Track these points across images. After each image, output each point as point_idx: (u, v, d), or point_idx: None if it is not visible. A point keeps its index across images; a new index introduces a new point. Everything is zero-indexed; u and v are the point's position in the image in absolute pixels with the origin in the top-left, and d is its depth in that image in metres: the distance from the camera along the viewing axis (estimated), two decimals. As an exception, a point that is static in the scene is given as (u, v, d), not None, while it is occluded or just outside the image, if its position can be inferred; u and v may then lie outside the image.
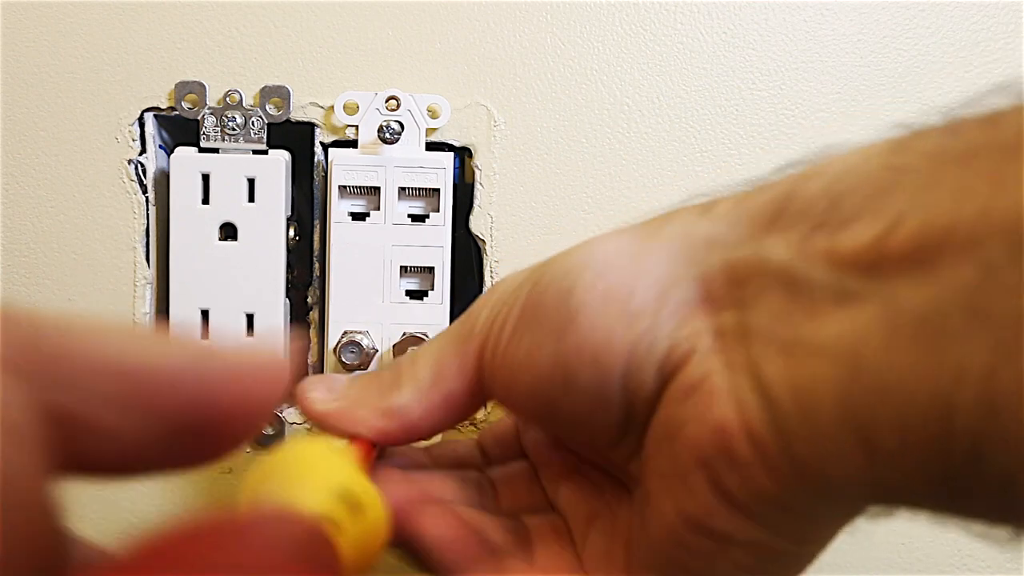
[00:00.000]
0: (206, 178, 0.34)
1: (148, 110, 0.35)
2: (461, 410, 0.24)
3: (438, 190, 0.34)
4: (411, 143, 0.34)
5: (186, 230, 0.34)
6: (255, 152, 0.34)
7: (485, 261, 0.36)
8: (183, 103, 0.34)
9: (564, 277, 0.21)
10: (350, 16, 0.35)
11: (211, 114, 0.34)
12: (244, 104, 0.34)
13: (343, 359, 0.34)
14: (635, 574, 0.21)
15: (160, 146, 0.35)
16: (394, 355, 0.34)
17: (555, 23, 0.35)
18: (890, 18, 0.36)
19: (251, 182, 0.34)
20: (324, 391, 0.24)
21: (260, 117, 0.34)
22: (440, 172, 0.34)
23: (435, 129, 0.35)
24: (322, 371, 0.35)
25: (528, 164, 0.36)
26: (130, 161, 0.35)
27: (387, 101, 0.34)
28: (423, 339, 0.34)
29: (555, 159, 0.36)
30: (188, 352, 0.15)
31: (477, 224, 0.36)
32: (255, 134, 0.34)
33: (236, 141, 0.34)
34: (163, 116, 0.35)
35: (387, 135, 0.33)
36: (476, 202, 0.36)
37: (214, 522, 0.13)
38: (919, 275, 0.16)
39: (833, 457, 0.17)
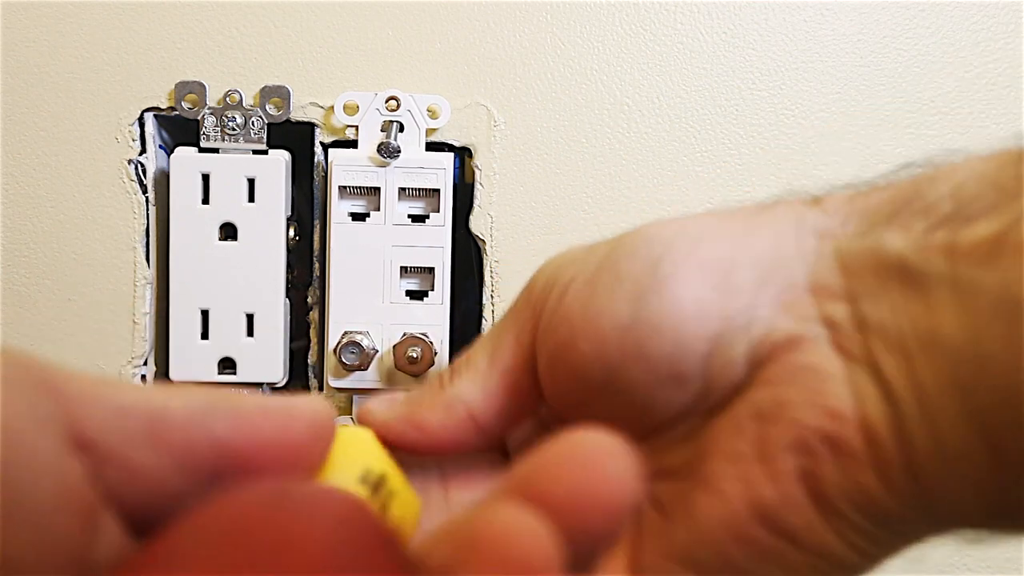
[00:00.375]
0: (206, 178, 0.34)
1: (148, 110, 0.35)
2: (525, 394, 0.21)
3: (438, 190, 0.34)
4: (411, 143, 0.34)
5: (186, 230, 0.34)
6: (255, 152, 0.34)
7: (485, 261, 0.36)
8: (183, 103, 0.34)
9: (652, 243, 0.19)
10: (350, 16, 0.35)
11: (211, 114, 0.34)
12: (244, 104, 0.34)
13: (343, 359, 0.34)
14: (657, 572, 0.19)
15: (160, 146, 0.35)
16: (394, 355, 0.34)
17: (555, 23, 0.35)
18: (890, 18, 0.36)
19: (251, 182, 0.34)
20: (385, 403, 0.22)
21: (260, 117, 0.34)
22: (440, 172, 0.34)
23: (435, 129, 0.35)
24: (321, 371, 0.35)
25: (528, 164, 0.36)
26: (130, 161, 0.35)
27: (387, 101, 0.34)
28: (423, 339, 0.34)
29: (555, 159, 0.36)
30: (202, 397, 0.15)
31: (477, 224, 0.36)
32: (255, 134, 0.34)
33: (236, 141, 0.34)
34: (163, 116, 0.35)
35: (386, 154, 0.33)
36: (476, 202, 0.36)
37: (258, 498, 0.13)
38: None
39: (958, 463, 0.16)
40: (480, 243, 0.36)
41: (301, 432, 0.16)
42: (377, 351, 0.34)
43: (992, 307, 0.15)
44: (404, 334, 0.34)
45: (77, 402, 0.14)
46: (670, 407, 0.19)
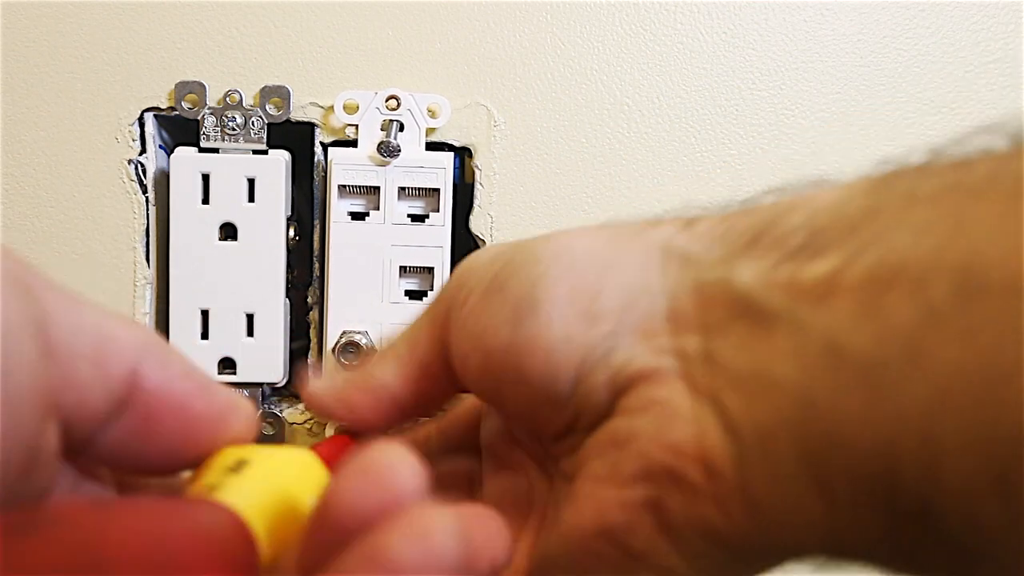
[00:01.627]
0: (206, 178, 0.34)
1: (148, 110, 0.35)
2: (439, 381, 0.23)
3: (438, 190, 0.34)
4: (411, 143, 0.34)
5: (186, 230, 0.34)
6: (255, 152, 0.34)
7: (485, 261, 0.36)
8: (183, 103, 0.34)
9: (535, 263, 0.21)
10: (350, 16, 0.35)
11: (211, 114, 0.34)
12: (244, 104, 0.34)
13: (342, 359, 0.34)
14: (533, 566, 0.21)
15: (160, 146, 0.35)
16: None
17: (555, 23, 0.35)
18: (890, 18, 0.36)
19: (251, 182, 0.34)
20: (322, 382, 0.24)
21: (260, 117, 0.34)
22: (440, 172, 0.34)
23: (435, 129, 0.35)
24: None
25: (528, 164, 0.36)
26: (130, 161, 0.35)
27: (387, 100, 0.34)
28: None
29: (555, 159, 0.36)
30: (146, 336, 0.17)
31: (477, 224, 0.36)
32: (255, 134, 0.34)
33: (236, 141, 0.34)
34: (163, 116, 0.35)
35: (386, 153, 0.33)
36: (476, 202, 0.36)
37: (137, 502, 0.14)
38: (865, 312, 0.15)
39: (792, 502, 0.16)
40: (480, 243, 0.36)
41: (206, 416, 0.17)
42: (376, 351, 0.34)
43: (820, 352, 0.16)
44: None
45: (51, 312, 0.15)
46: (554, 423, 0.20)
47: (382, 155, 0.33)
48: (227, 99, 0.34)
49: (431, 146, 0.35)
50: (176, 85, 0.34)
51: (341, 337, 0.34)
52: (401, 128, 0.34)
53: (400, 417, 0.23)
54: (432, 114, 0.35)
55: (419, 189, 0.34)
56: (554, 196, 0.36)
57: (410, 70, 0.35)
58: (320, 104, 0.35)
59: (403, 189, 0.34)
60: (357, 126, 0.34)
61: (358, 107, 0.34)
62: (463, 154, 0.36)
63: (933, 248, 0.15)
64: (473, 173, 0.36)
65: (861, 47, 0.36)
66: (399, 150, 0.33)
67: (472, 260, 0.23)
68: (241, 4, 0.34)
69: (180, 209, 0.34)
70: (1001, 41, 0.36)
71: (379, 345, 0.34)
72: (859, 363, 0.15)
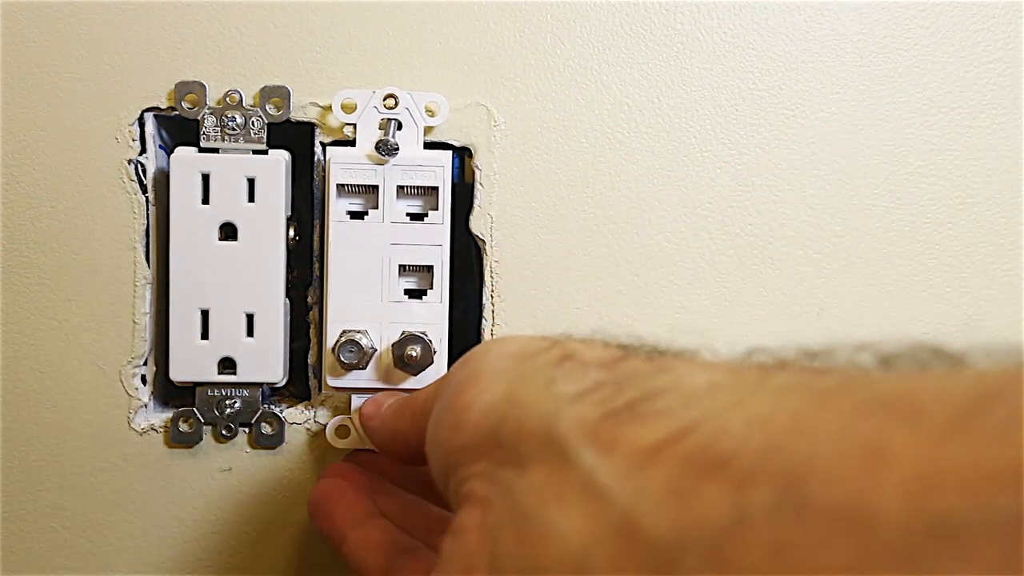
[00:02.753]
0: (206, 178, 0.34)
1: (148, 110, 0.35)
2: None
3: (436, 188, 0.34)
4: (409, 141, 0.34)
5: (186, 230, 0.34)
6: (255, 152, 0.34)
7: (485, 261, 0.36)
8: (183, 103, 0.34)
9: (456, 370, 0.23)
10: (350, 16, 0.35)
11: (211, 114, 0.34)
12: (244, 104, 0.34)
13: (342, 358, 0.33)
14: None
15: (160, 146, 0.35)
16: (392, 354, 0.34)
17: (555, 23, 0.35)
18: (890, 18, 0.36)
19: (251, 182, 0.34)
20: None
21: (260, 117, 0.34)
22: (438, 170, 0.34)
23: (433, 128, 0.35)
24: (320, 371, 0.35)
25: (528, 164, 0.36)
26: (130, 161, 0.35)
27: (385, 99, 0.34)
28: (422, 338, 0.34)
29: (555, 159, 0.36)
30: None
31: (477, 224, 0.36)
32: (255, 134, 0.34)
33: (236, 141, 0.34)
34: (163, 116, 0.35)
35: (385, 152, 0.33)
36: (476, 202, 0.36)
37: None
38: (675, 496, 0.15)
39: None
40: (480, 243, 0.36)
41: None
42: (376, 350, 0.34)
43: (614, 522, 0.16)
44: (403, 333, 0.34)
45: None
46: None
47: (380, 154, 0.33)
48: (227, 99, 0.34)
49: (429, 145, 0.35)
50: (176, 85, 0.34)
51: (341, 336, 0.34)
52: (399, 127, 0.34)
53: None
54: (430, 112, 0.35)
55: (417, 187, 0.34)
56: (554, 196, 0.36)
57: (410, 70, 0.35)
58: (320, 104, 0.35)
59: (401, 188, 0.34)
60: (355, 125, 0.34)
61: (356, 106, 0.34)
62: (463, 154, 0.36)
63: (764, 446, 0.14)
64: (473, 173, 0.36)
65: (861, 47, 0.36)
66: (397, 149, 0.33)
67: (457, 370, 0.25)
68: (241, 4, 0.34)
69: (180, 209, 0.34)
70: (1001, 41, 0.36)
71: (379, 344, 0.34)
72: (651, 546, 0.15)
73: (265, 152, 0.34)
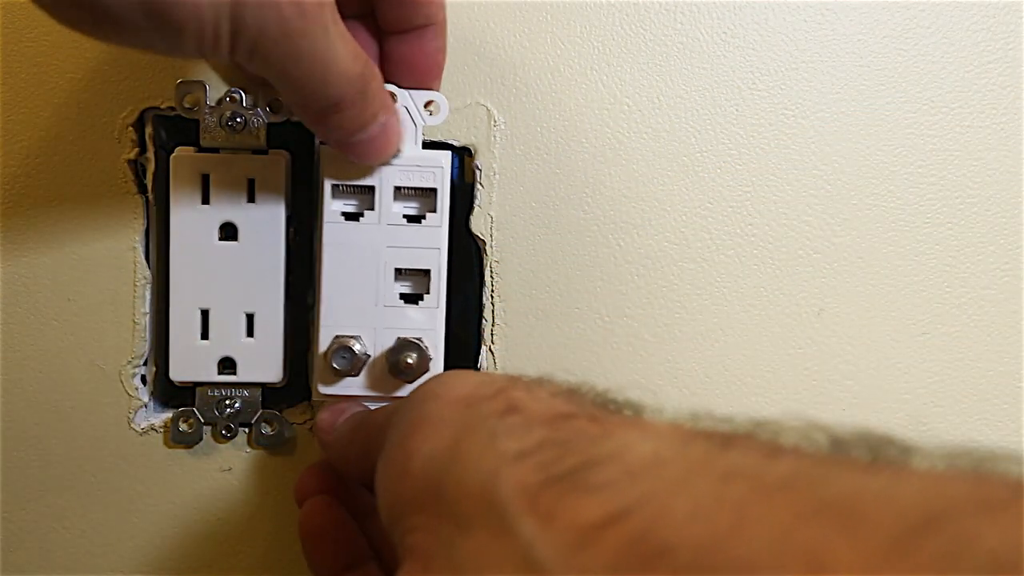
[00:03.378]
0: (206, 178, 0.34)
1: (148, 110, 0.35)
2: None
3: (435, 190, 0.33)
4: (407, 141, 0.34)
5: (186, 230, 0.34)
6: (255, 152, 0.34)
7: (485, 261, 0.36)
8: (183, 103, 0.34)
9: (404, 410, 0.23)
10: (350, 16, 0.35)
11: (211, 114, 0.34)
12: (244, 104, 0.34)
13: (334, 364, 0.32)
14: None
15: (160, 146, 0.35)
16: (387, 361, 0.33)
17: (555, 23, 0.35)
18: (890, 18, 0.36)
19: (251, 182, 0.34)
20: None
21: (260, 117, 0.34)
22: (437, 171, 0.33)
23: (432, 127, 0.35)
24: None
25: (528, 164, 0.36)
26: (130, 161, 0.35)
27: None
28: (418, 344, 0.33)
29: (555, 159, 0.36)
30: None
31: (477, 224, 0.36)
32: (255, 134, 0.34)
33: (236, 141, 0.34)
34: (163, 116, 0.35)
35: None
36: (476, 202, 0.36)
37: None
38: None
39: None
40: (480, 243, 0.36)
41: None
42: (369, 356, 0.33)
43: None
44: (398, 339, 0.33)
45: None
46: None
47: None
48: (227, 99, 0.34)
49: (429, 145, 0.34)
50: (176, 85, 0.34)
51: (334, 342, 0.33)
52: None
53: None
54: (430, 111, 0.34)
55: (415, 189, 0.33)
56: (554, 196, 0.36)
57: (410, 70, 0.35)
58: (320, 104, 0.35)
59: (399, 189, 0.33)
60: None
61: None
62: (463, 154, 0.36)
63: (705, 542, 0.14)
64: (473, 173, 0.36)
65: (861, 47, 0.36)
66: (399, 150, 0.33)
67: (406, 409, 0.24)
68: (241, 4, 0.34)
69: (180, 209, 0.34)
70: (1001, 41, 0.36)
71: (373, 350, 0.33)
72: None
73: (265, 152, 0.34)
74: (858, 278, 0.37)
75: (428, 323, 0.33)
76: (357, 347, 0.33)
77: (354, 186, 0.33)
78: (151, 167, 0.35)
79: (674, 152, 0.36)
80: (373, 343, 0.33)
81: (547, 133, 0.36)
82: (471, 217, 0.36)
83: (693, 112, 0.36)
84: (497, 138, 0.35)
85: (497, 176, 0.36)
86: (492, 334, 0.36)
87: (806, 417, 0.17)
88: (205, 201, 0.34)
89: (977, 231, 0.37)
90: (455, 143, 0.35)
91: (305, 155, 0.35)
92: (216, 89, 0.34)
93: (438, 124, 0.33)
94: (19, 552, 0.36)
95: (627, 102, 0.36)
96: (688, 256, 0.36)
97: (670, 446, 0.17)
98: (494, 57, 0.35)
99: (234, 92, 0.34)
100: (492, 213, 0.36)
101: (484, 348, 0.36)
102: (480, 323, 0.36)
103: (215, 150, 0.34)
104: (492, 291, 0.36)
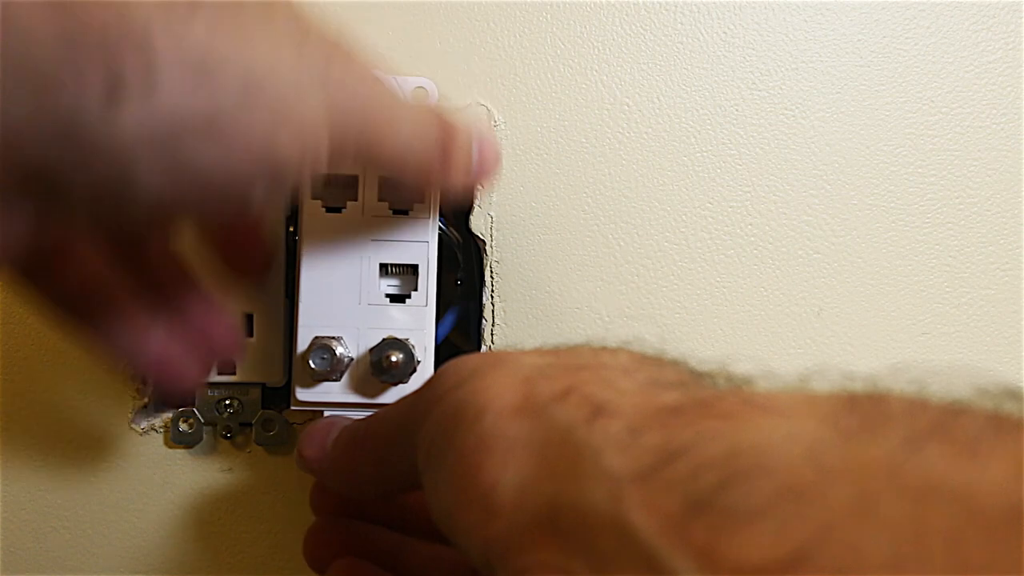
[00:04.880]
0: (206, 178, 0.34)
1: (148, 110, 0.34)
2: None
3: None
4: None
5: (186, 230, 0.34)
6: (255, 152, 0.34)
7: (485, 261, 0.36)
8: (183, 103, 0.34)
9: (463, 446, 0.19)
10: (350, 16, 0.35)
11: (211, 114, 0.34)
12: (244, 104, 0.34)
13: (312, 365, 0.30)
14: None
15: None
16: (369, 361, 0.30)
17: (555, 23, 0.35)
18: (890, 18, 0.36)
19: (251, 182, 0.34)
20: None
21: (260, 117, 0.34)
22: None
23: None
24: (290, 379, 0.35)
25: (528, 164, 0.36)
26: (130, 161, 0.35)
27: None
28: (404, 344, 0.30)
29: (555, 159, 0.36)
30: None
31: (477, 224, 0.36)
32: (255, 134, 0.34)
33: (236, 141, 0.34)
34: (163, 116, 0.35)
35: None
36: (476, 202, 0.36)
37: None
38: None
39: None
40: (480, 243, 0.36)
41: None
42: (352, 359, 0.31)
43: None
44: (383, 340, 0.30)
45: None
46: None
47: None
48: (227, 99, 0.34)
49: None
50: (176, 85, 0.34)
51: (313, 343, 0.30)
52: None
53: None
54: (421, 97, 0.34)
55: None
56: (554, 196, 0.36)
57: (410, 70, 0.35)
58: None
59: (385, 178, 0.30)
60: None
61: None
62: (463, 154, 0.36)
63: None
64: (473, 173, 0.36)
65: (861, 47, 0.36)
66: None
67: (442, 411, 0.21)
68: (241, 4, 0.34)
69: (180, 209, 0.34)
70: (1001, 41, 0.36)
71: (355, 352, 0.31)
72: None
73: (265, 152, 0.34)
74: (858, 278, 0.37)
75: (416, 323, 0.31)
76: (339, 349, 0.30)
77: (335, 175, 0.30)
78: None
79: (674, 152, 0.36)
80: (357, 344, 0.31)
81: (547, 133, 0.36)
82: (471, 217, 0.36)
83: (693, 112, 0.36)
84: (497, 138, 0.35)
85: (497, 176, 0.36)
86: (492, 334, 0.36)
87: (905, 373, 0.15)
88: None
89: (977, 231, 0.37)
90: (455, 143, 0.35)
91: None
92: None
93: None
94: (19, 552, 0.36)
95: (627, 102, 0.36)
96: (688, 256, 0.36)
97: (820, 437, 0.14)
98: (494, 57, 0.35)
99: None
100: (492, 213, 0.36)
101: (484, 348, 0.36)
102: (480, 323, 0.36)
103: (215, 150, 0.34)
104: (492, 291, 0.36)
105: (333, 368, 0.30)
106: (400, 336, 0.30)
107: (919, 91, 0.36)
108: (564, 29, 0.35)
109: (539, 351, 0.22)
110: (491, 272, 0.36)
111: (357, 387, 0.31)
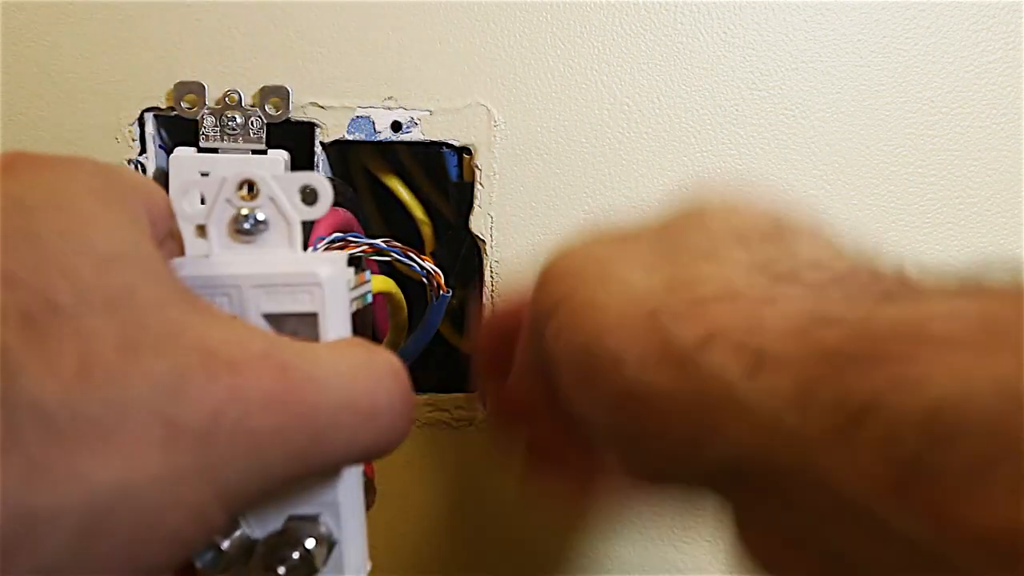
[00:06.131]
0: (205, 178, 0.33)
1: (148, 110, 0.34)
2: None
3: (315, 315, 0.21)
4: (280, 246, 0.24)
5: (186, 230, 0.34)
6: (254, 152, 0.34)
7: (485, 261, 0.36)
8: (183, 103, 0.34)
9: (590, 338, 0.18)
10: (350, 16, 0.35)
11: (210, 114, 0.34)
12: (243, 104, 0.34)
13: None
14: None
15: (160, 146, 0.35)
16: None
17: (555, 23, 0.35)
18: (890, 18, 0.36)
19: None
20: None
21: (259, 117, 0.34)
22: (315, 290, 0.21)
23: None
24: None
25: (528, 164, 0.36)
26: (130, 161, 0.35)
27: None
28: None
29: (555, 159, 0.36)
30: None
31: (477, 224, 0.36)
32: (254, 134, 0.34)
33: (235, 141, 0.34)
34: (163, 116, 0.35)
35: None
36: (476, 202, 0.36)
37: None
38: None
39: None
40: (480, 243, 0.36)
41: None
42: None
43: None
44: None
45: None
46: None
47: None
48: (226, 99, 0.34)
49: (428, 144, 0.34)
50: (175, 85, 0.34)
51: None
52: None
53: None
54: (305, 201, 0.23)
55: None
56: (554, 196, 0.36)
57: (410, 70, 0.35)
58: (320, 104, 0.35)
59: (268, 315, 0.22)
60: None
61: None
62: (463, 154, 0.36)
63: None
64: (473, 173, 0.36)
65: (861, 47, 0.36)
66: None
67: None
68: (241, 4, 0.34)
69: (179, 209, 0.33)
70: (1001, 41, 0.36)
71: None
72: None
73: (264, 152, 0.34)
74: (858, 278, 0.37)
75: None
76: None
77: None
78: (151, 167, 0.35)
79: (674, 152, 0.36)
80: None
81: (547, 133, 0.36)
82: (471, 217, 0.36)
83: (693, 112, 0.36)
84: (497, 138, 0.35)
85: (497, 176, 0.36)
86: (492, 334, 0.36)
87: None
88: (204, 201, 0.34)
89: (977, 231, 0.37)
90: (455, 143, 0.35)
91: (304, 155, 0.35)
92: (215, 89, 0.34)
93: (318, 216, 0.22)
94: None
95: (627, 102, 0.36)
96: (688, 256, 0.36)
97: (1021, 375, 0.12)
98: (494, 57, 0.35)
99: (233, 92, 0.34)
100: (492, 213, 0.36)
101: (484, 348, 0.36)
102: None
103: (214, 150, 0.34)
104: (492, 291, 0.36)
105: None
106: None
107: (919, 91, 0.36)
108: (564, 29, 0.35)
109: (633, 250, 0.20)
110: (491, 272, 0.36)
111: None
